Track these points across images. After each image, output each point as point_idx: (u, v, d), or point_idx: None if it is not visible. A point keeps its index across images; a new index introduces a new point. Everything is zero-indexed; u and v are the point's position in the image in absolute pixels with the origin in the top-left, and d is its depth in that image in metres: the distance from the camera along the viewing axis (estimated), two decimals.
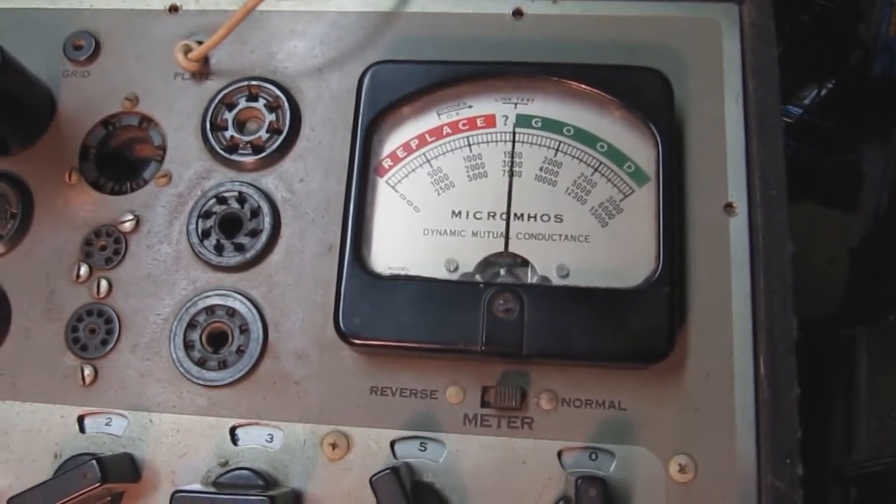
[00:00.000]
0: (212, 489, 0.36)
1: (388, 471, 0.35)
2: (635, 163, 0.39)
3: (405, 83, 0.40)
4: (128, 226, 0.42)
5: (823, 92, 0.90)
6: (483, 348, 0.36)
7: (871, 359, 0.67)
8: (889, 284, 0.72)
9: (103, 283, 0.41)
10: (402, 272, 0.38)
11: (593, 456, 0.37)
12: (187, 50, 0.43)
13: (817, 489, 0.66)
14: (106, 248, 0.42)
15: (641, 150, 0.39)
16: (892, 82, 0.84)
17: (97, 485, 0.37)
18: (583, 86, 0.40)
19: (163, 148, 0.43)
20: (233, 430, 0.39)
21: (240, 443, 0.39)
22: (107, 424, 0.40)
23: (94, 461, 0.37)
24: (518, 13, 0.43)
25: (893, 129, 0.89)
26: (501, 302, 0.37)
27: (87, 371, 0.40)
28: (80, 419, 0.40)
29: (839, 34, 0.87)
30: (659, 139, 0.39)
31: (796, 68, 0.90)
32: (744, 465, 0.37)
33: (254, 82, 0.43)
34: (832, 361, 0.70)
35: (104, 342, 0.40)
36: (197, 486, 0.37)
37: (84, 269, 0.41)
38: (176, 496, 0.36)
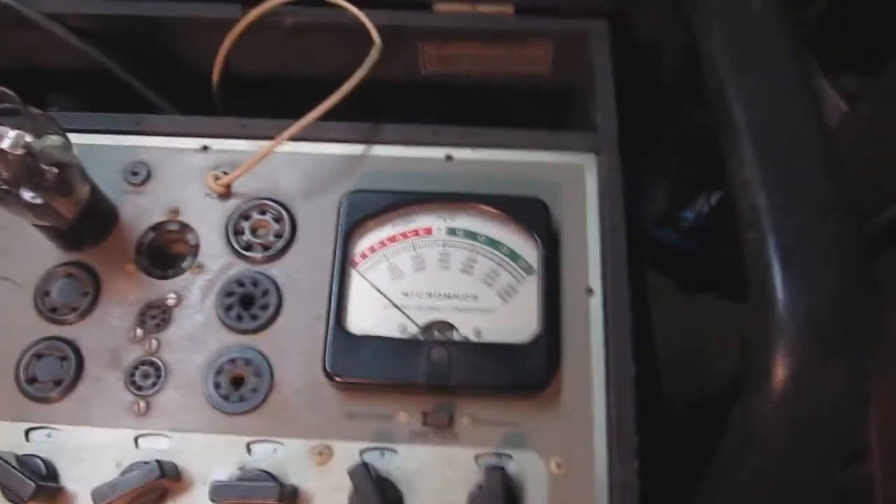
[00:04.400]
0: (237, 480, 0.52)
1: (361, 463, 0.52)
2: (526, 260, 0.57)
3: (371, 205, 0.58)
4: (171, 302, 0.58)
5: (713, 201, 1.08)
6: (425, 383, 0.54)
7: None
8: None
9: (154, 342, 0.57)
10: (370, 333, 0.56)
11: (498, 457, 0.54)
12: (216, 178, 0.61)
13: None
14: (156, 317, 0.58)
15: (530, 251, 0.58)
16: None
17: (156, 478, 0.52)
18: (490, 208, 0.59)
19: (197, 247, 0.60)
20: (248, 446, 0.55)
21: (253, 454, 0.55)
22: (155, 443, 0.55)
23: (154, 462, 0.52)
24: (449, 157, 0.62)
25: None
26: (436, 353, 0.55)
27: (142, 404, 0.55)
28: (136, 439, 0.55)
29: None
30: (541, 244, 0.58)
31: (690, 178, 1.08)
32: (599, 461, 0.54)
33: (263, 201, 0.61)
34: None
35: (154, 384, 0.56)
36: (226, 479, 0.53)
37: (140, 332, 0.57)
38: (214, 484, 0.52)
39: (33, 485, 0.51)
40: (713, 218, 1.06)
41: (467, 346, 0.55)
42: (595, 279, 0.58)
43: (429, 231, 0.58)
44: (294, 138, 0.60)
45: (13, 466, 0.52)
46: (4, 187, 0.51)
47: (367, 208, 0.58)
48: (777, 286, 0.53)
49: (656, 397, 0.84)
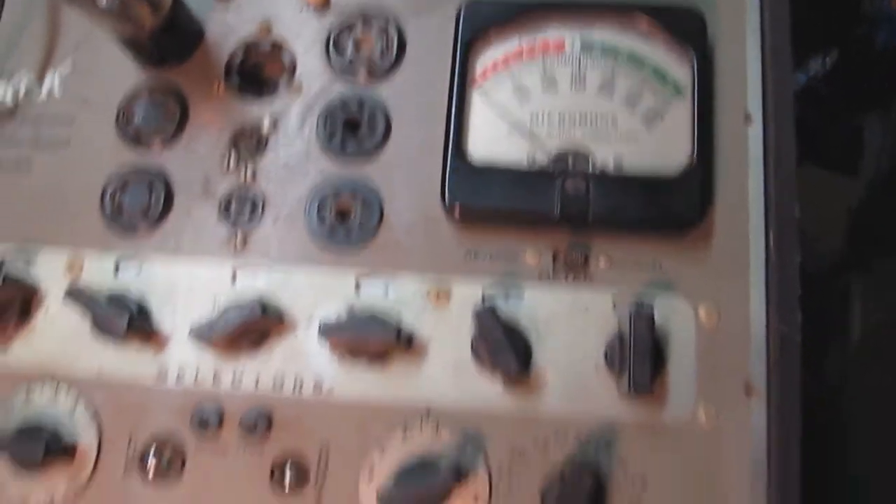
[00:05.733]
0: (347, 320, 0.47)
1: (490, 306, 0.45)
2: (675, 79, 0.49)
3: (494, 15, 0.50)
4: (267, 127, 0.52)
5: (828, 62, 0.97)
6: (559, 218, 0.47)
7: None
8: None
9: (249, 171, 0.51)
10: (493, 162, 0.49)
11: (640, 304, 0.48)
12: None
13: None
14: (250, 143, 0.52)
15: (680, 69, 0.49)
16: (893, 54, 0.91)
17: (257, 317, 0.47)
18: (634, 18, 0.50)
19: (293, 66, 0.53)
20: (357, 284, 0.49)
21: (362, 294, 0.49)
22: (254, 279, 0.50)
23: (256, 300, 0.47)
24: None
25: (895, 99, 0.96)
26: (571, 185, 0.47)
27: (238, 238, 0.50)
28: (233, 274, 0.50)
29: (843, 7, 0.94)
30: (695, 61, 0.49)
31: (802, 39, 0.98)
32: (756, 313, 0.48)
33: (367, 13, 0.53)
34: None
35: (251, 217, 0.51)
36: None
37: (233, 160, 0.52)
38: (323, 325, 0.46)
39: (125, 322, 0.47)
40: (825, 80, 0.96)
41: (607, 178, 0.47)
42: (755, 105, 0.50)
43: (560, 46, 0.50)
44: None
45: (105, 302, 0.47)
46: None
47: (490, 19, 0.50)
48: None
49: None
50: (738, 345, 0.47)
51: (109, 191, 0.51)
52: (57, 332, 0.50)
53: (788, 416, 0.45)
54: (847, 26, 0.94)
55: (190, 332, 0.46)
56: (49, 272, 0.51)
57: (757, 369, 0.46)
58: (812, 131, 0.97)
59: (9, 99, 0.54)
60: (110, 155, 0.52)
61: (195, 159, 0.52)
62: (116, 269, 0.51)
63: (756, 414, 0.46)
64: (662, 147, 0.48)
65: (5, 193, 0.52)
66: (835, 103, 0.97)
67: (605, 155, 0.48)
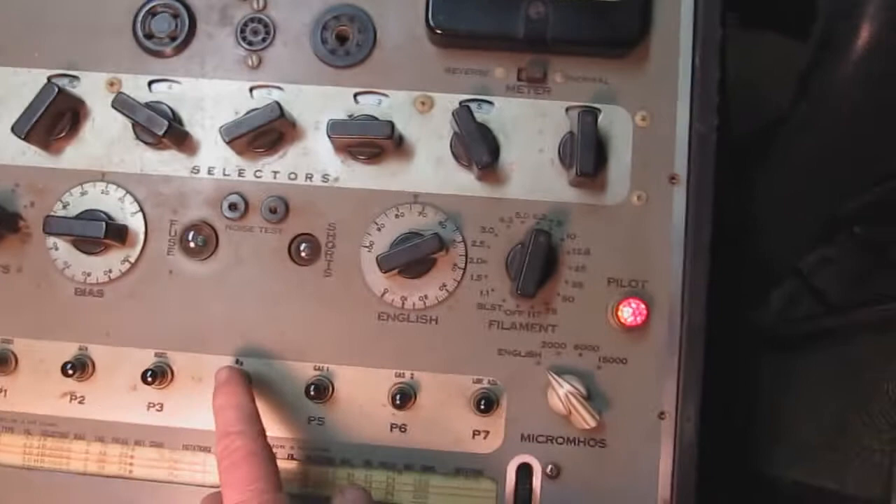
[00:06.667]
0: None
1: (464, 106, 0.56)
2: None
3: None
4: None
5: None
6: (523, 37, 0.57)
7: None
8: None
9: (261, 0, 0.60)
10: None
11: (588, 110, 0.58)
12: None
13: None
14: None
15: None
16: None
17: (276, 116, 0.57)
18: None
19: None
20: (355, 96, 0.59)
21: (360, 104, 0.59)
22: (268, 94, 0.60)
23: (275, 102, 0.57)
24: None
25: None
26: (534, 9, 0.57)
27: (254, 58, 0.59)
28: (251, 90, 0.59)
29: None
30: None
31: None
32: (682, 117, 0.58)
33: None
34: None
35: (264, 40, 0.59)
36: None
37: None
38: (331, 121, 0.56)
39: (166, 122, 0.56)
40: None
41: (564, 3, 0.57)
42: None
43: None
44: None
45: (145, 109, 0.56)
46: None
47: None
48: None
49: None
50: (666, 143, 0.58)
51: (140, 18, 0.60)
52: (103, 139, 0.59)
53: (702, 199, 0.57)
54: None
55: (220, 129, 0.56)
56: (92, 89, 0.60)
57: (680, 162, 0.58)
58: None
59: None
60: None
61: None
62: (149, 87, 0.60)
63: (678, 198, 0.58)
64: None
65: (48, 20, 0.60)
66: None
67: None
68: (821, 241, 0.84)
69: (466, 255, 0.57)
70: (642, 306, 0.56)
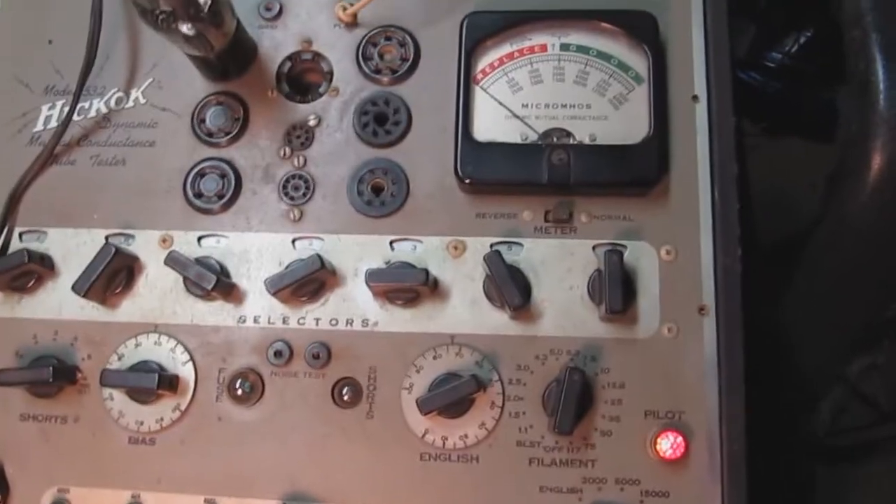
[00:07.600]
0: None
1: (494, 251, 0.59)
2: (635, 70, 0.62)
3: (490, 25, 0.63)
4: (312, 123, 0.65)
5: (802, 40, 1.08)
6: (547, 182, 0.60)
7: None
8: None
9: (301, 158, 0.64)
10: (494, 140, 0.62)
11: (613, 247, 0.61)
12: (344, 8, 0.66)
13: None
14: (300, 137, 0.64)
15: (639, 62, 0.62)
16: None
17: (318, 268, 0.60)
18: (600, 23, 0.63)
19: (331, 73, 0.66)
20: (391, 244, 0.62)
21: (396, 251, 0.62)
22: (310, 245, 0.64)
23: (317, 255, 0.60)
24: None
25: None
26: (556, 155, 0.60)
27: (296, 212, 0.63)
28: (293, 241, 0.63)
29: None
30: (650, 55, 0.62)
31: (778, 19, 1.07)
32: (706, 250, 0.60)
33: (388, 28, 0.66)
34: None
35: (304, 194, 0.63)
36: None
37: (287, 150, 0.64)
38: (369, 270, 0.59)
39: (214, 277, 0.60)
40: (801, 57, 1.06)
41: (584, 148, 0.60)
42: (700, 87, 0.62)
43: (543, 47, 0.63)
44: None
45: (194, 265, 0.60)
46: (165, 16, 0.58)
47: (487, 28, 0.63)
48: (879, 79, 0.57)
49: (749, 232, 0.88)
50: (692, 276, 0.60)
51: (190, 180, 0.64)
52: (156, 292, 0.63)
53: (732, 328, 0.59)
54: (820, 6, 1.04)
55: (265, 282, 0.59)
56: (146, 246, 0.64)
57: (707, 293, 0.59)
58: (793, 106, 1.08)
59: (103, 110, 0.67)
60: (188, 151, 0.65)
61: (257, 151, 0.65)
62: (199, 242, 0.64)
63: (708, 328, 0.59)
64: (627, 124, 0.61)
65: (107, 185, 0.65)
66: (810, 78, 1.08)
67: (582, 131, 0.61)
68: (863, 348, 0.84)
69: (504, 394, 0.59)
70: (679, 439, 0.56)
